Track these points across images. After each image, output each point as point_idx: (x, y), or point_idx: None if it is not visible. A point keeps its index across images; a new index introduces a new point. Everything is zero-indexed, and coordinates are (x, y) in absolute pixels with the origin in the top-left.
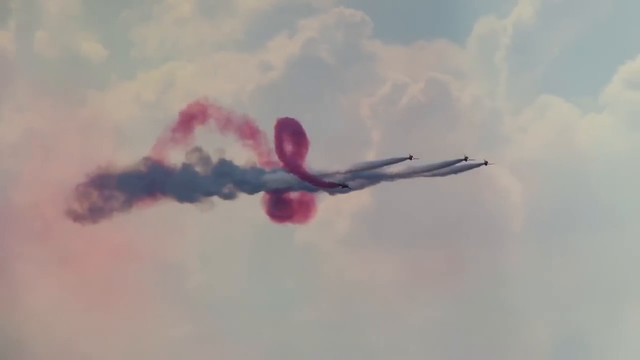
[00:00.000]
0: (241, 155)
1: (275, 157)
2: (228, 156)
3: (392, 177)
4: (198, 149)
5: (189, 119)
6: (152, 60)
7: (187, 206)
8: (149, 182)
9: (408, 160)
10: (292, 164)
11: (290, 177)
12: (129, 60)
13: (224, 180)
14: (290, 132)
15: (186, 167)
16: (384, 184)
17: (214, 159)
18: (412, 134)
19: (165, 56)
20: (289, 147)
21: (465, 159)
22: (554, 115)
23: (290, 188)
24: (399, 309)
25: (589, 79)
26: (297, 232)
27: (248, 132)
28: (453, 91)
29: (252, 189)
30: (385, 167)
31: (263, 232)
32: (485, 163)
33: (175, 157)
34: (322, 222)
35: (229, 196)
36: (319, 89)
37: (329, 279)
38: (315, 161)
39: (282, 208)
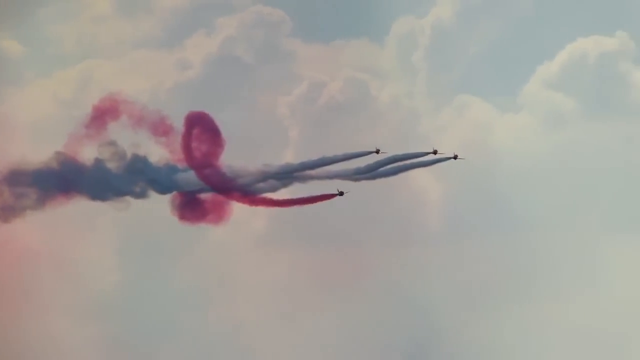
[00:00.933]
0: (156, 154)
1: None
2: (143, 153)
3: (305, 178)
4: (111, 143)
5: (102, 114)
6: (70, 58)
7: (102, 204)
8: (62, 180)
9: (374, 153)
10: (204, 164)
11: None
12: (45, 57)
13: (137, 178)
14: (203, 129)
15: (99, 164)
16: (298, 185)
17: (128, 155)
18: (330, 133)
19: (83, 54)
20: (201, 146)
21: (435, 152)
22: (472, 115)
23: (203, 189)
24: (312, 309)
25: (507, 79)
26: (212, 232)
27: (162, 129)
28: (372, 90)
29: (163, 189)
30: (305, 170)
31: (178, 231)
32: (455, 157)
33: (89, 154)
34: (237, 222)
35: (140, 195)
36: (236, 88)
37: (244, 279)
38: (231, 160)
39: (193, 209)
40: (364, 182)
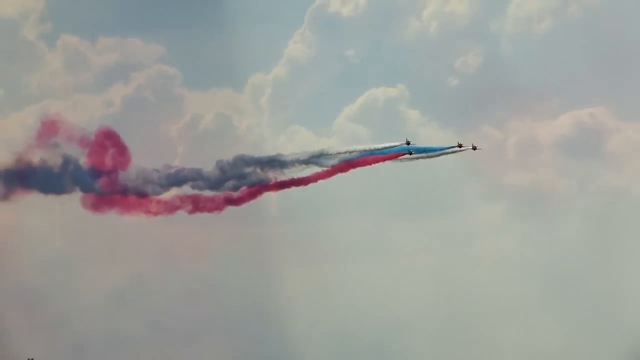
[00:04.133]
0: (85, 161)
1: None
2: (75, 159)
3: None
4: (54, 150)
5: (48, 130)
6: (34, 98)
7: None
8: (21, 177)
9: (405, 145)
10: (111, 170)
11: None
12: (18, 97)
13: (69, 178)
14: (112, 144)
15: (44, 165)
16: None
17: (64, 159)
18: (205, 148)
19: (43, 95)
20: (110, 156)
21: (459, 145)
22: (300, 139)
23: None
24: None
25: (324, 115)
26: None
27: (85, 142)
28: (234, 122)
29: (86, 188)
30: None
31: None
32: (474, 148)
33: (40, 157)
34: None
35: (71, 191)
36: (143, 119)
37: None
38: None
39: (107, 204)
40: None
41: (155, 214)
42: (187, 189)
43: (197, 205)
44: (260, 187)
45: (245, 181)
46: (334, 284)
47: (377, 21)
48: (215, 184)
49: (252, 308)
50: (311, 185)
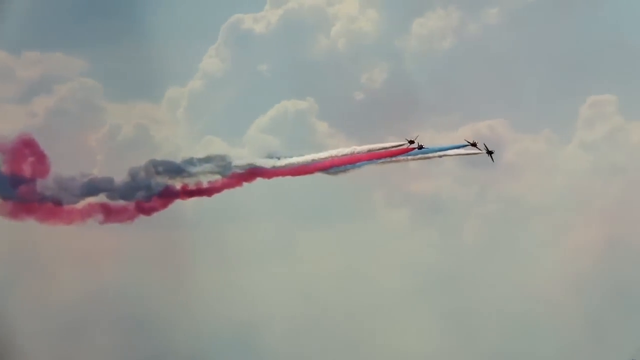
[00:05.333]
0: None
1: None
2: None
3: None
4: None
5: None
6: None
7: None
8: None
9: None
10: (30, 178)
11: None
12: None
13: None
14: (31, 152)
15: None
16: None
17: None
18: (123, 158)
19: None
20: (29, 164)
21: (474, 144)
22: (213, 149)
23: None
24: None
25: (236, 126)
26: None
27: (4, 150)
28: (151, 132)
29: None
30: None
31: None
32: (490, 152)
33: None
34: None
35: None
36: (64, 129)
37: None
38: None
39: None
40: None
41: (69, 222)
42: (103, 198)
43: (108, 214)
44: (172, 195)
45: (156, 189)
46: (244, 287)
47: (288, 38)
48: (127, 193)
49: (164, 312)
50: (224, 192)
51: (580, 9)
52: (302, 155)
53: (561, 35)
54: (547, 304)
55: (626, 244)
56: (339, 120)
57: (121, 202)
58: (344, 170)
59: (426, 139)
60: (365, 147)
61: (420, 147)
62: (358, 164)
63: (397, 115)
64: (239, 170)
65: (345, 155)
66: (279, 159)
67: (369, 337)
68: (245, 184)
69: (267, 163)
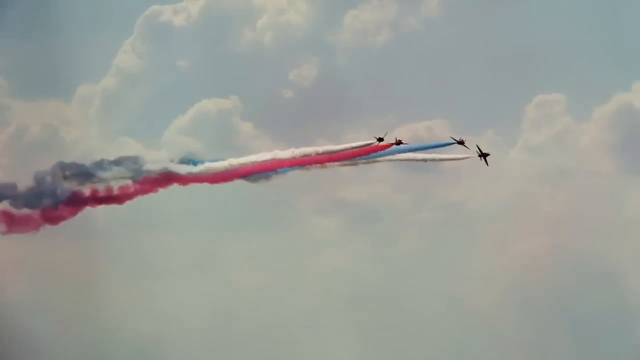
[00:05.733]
0: None
1: None
2: None
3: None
4: None
5: None
6: None
7: None
8: None
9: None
10: None
11: None
12: None
13: None
14: None
15: None
16: None
17: None
18: (31, 160)
19: None
20: None
21: (462, 142)
22: (129, 150)
23: None
24: None
25: (152, 127)
26: None
27: None
28: (60, 133)
29: None
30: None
31: None
32: (483, 155)
33: None
34: None
35: None
36: None
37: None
38: None
39: None
40: None
41: None
42: (6, 205)
43: (11, 224)
44: (81, 202)
45: (63, 196)
46: (156, 302)
47: (210, 31)
48: (31, 200)
49: (68, 328)
50: (139, 198)
51: (528, 2)
52: (223, 158)
53: (506, 29)
54: (485, 319)
55: (574, 255)
56: (265, 121)
57: (25, 211)
58: (267, 177)
59: (360, 140)
60: (326, 148)
61: (399, 143)
62: (280, 170)
63: (328, 115)
64: (152, 175)
65: (267, 160)
66: (195, 164)
67: (292, 357)
68: (161, 190)
69: (182, 169)
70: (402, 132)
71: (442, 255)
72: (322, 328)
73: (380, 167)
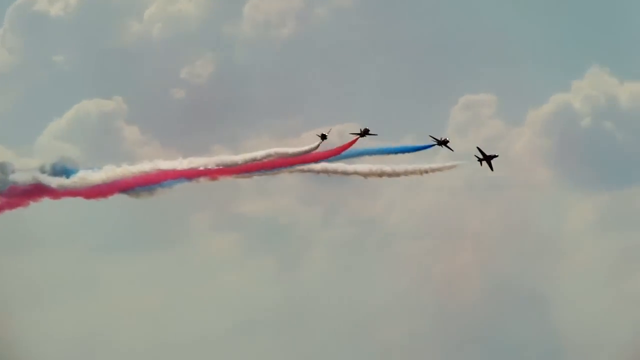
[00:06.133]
0: None
1: None
2: None
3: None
4: None
5: None
6: None
7: None
8: None
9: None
10: None
11: None
12: None
13: None
14: None
15: None
16: None
17: None
18: None
19: None
20: None
21: (445, 142)
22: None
23: None
24: None
25: (27, 130)
26: None
27: None
28: None
29: None
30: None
31: None
32: (487, 158)
33: None
34: None
35: None
36: None
37: None
38: None
39: None
40: None
41: None
42: None
43: None
44: None
45: None
46: (23, 330)
47: (91, 22)
48: None
49: None
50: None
51: None
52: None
53: (429, 20)
54: (395, 349)
55: (501, 278)
56: (154, 125)
57: None
58: (150, 191)
59: (262, 149)
60: (272, 151)
61: (365, 133)
62: (165, 182)
63: (225, 117)
64: (19, 186)
65: (150, 171)
66: (69, 174)
67: None
68: (32, 203)
69: (54, 181)
70: (309, 138)
71: (352, 278)
72: (215, 358)
73: (283, 177)
